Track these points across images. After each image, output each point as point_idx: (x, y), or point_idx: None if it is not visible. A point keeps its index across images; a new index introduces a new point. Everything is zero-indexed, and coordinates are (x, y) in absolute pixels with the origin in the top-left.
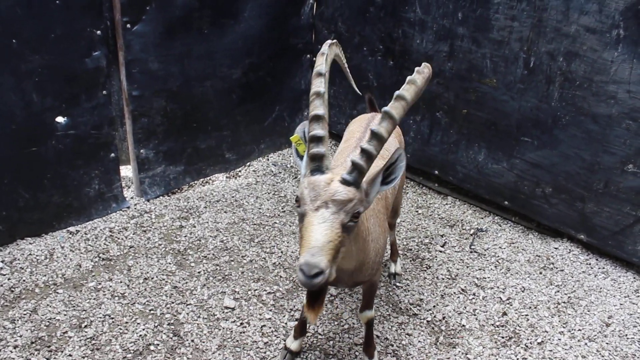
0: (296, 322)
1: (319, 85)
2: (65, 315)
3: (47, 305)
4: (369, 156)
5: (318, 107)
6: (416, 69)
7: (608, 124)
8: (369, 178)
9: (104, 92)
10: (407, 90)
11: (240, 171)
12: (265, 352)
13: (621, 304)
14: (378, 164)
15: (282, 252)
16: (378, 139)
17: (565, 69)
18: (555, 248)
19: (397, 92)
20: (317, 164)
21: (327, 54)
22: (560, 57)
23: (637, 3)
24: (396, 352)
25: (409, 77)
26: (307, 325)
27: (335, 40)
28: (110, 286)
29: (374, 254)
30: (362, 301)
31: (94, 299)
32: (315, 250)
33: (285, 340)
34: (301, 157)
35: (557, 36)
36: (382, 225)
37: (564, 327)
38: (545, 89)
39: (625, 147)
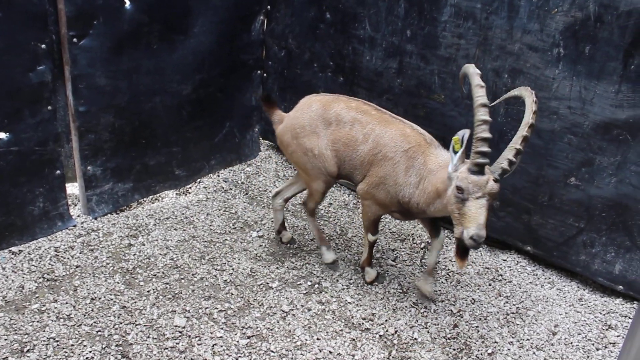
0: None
1: (484, 114)
2: (5, 340)
3: None
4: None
5: (485, 131)
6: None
7: (551, 139)
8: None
9: (49, 107)
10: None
11: (190, 188)
12: None
13: (566, 313)
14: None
15: (233, 269)
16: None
17: (510, 86)
18: (504, 260)
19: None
20: (480, 169)
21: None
22: (505, 74)
23: (574, 24)
24: None
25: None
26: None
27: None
28: (55, 307)
29: None
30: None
31: (38, 321)
32: (481, 226)
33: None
34: (455, 153)
35: (502, 54)
36: None
37: (513, 337)
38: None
39: (568, 160)
